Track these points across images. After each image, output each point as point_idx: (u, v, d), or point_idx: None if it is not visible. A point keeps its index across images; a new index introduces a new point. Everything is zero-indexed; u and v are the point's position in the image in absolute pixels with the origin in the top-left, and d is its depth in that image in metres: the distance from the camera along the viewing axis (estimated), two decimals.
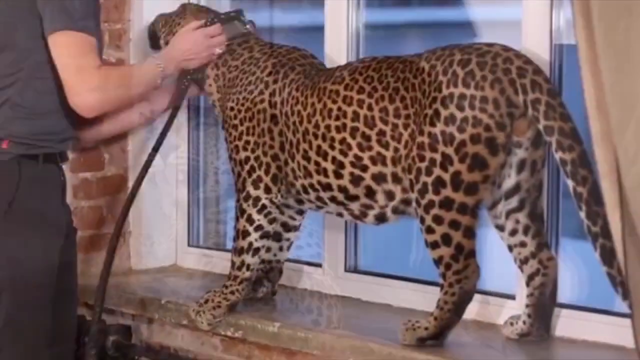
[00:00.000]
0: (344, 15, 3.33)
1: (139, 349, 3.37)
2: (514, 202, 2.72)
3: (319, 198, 2.93)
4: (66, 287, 3.01)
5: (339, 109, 2.82)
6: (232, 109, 3.06)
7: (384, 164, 2.76)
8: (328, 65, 3.19)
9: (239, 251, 3.05)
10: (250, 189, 3.02)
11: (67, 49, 2.89)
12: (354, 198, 2.85)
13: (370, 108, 2.78)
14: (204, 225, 3.80)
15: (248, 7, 3.85)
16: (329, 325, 2.98)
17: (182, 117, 3.75)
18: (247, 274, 3.06)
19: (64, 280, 2.99)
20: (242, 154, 3.02)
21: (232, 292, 3.06)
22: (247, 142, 3.01)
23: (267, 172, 3.00)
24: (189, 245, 3.77)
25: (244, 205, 3.03)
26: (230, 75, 3.11)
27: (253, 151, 3.00)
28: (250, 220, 3.02)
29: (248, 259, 3.05)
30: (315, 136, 2.87)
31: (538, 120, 2.58)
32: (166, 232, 3.76)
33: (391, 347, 2.73)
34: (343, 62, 3.28)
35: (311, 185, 2.92)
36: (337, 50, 3.32)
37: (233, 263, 3.07)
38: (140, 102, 3.23)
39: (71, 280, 3.06)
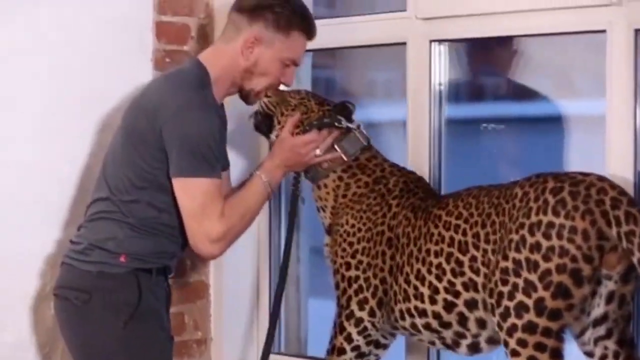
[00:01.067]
0: (426, 110, 3.29)
1: None
2: (601, 330, 2.63)
3: (413, 325, 2.87)
4: None
5: (439, 233, 2.80)
6: (352, 225, 3.00)
7: (476, 290, 2.72)
8: (410, 163, 3.19)
9: None
10: (355, 308, 2.97)
11: (191, 196, 2.91)
12: (447, 325, 2.80)
13: (464, 233, 2.76)
14: (285, 331, 3.75)
15: None
16: None
17: (263, 218, 3.73)
18: None
19: None
20: (352, 272, 2.97)
21: None
22: (360, 262, 2.97)
23: (374, 295, 2.95)
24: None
25: (345, 323, 2.98)
26: (358, 190, 3.04)
27: (364, 272, 2.96)
28: (349, 339, 2.97)
29: None
30: (417, 259, 2.84)
31: (632, 253, 2.50)
32: (247, 339, 3.72)
33: None
34: (424, 158, 3.25)
35: (408, 310, 2.86)
36: (419, 146, 3.29)
37: None
38: None
39: None
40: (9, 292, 3.19)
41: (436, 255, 2.78)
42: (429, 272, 2.79)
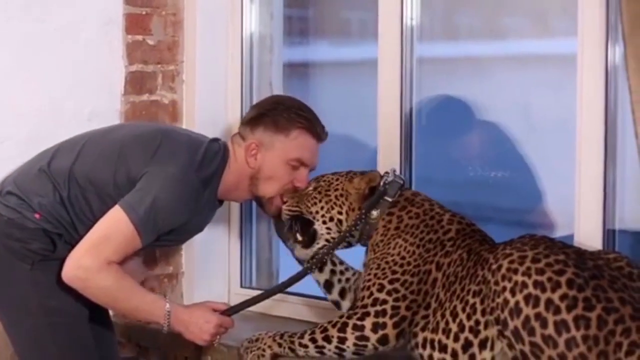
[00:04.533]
0: (397, 49, 3.29)
1: None
2: None
3: (430, 357, 2.79)
4: None
5: (483, 275, 2.72)
6: (403, 257, 2.90)
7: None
8: (380, 101, 3.19)
9: (308, 341, 2.88)
10: (367, 326, 2.82)
11: (108, 225, 2.91)
12: None
13: None
14: (256, 266, 3.77)
15: (296, 43, 3.87)
16: None
17: None
18: (301, 351, 2.90)
19: None
20: (382, 295, 2.84)
21: (279, 345, 2.94)
22: (396, 290, 2.85)
23: (396, 325, 2.83)
24: (241, 286, 3.74)
25: (348, 330, 2.83)
26: (410, 221, 2.94)
27: (396, 300, 2.84)
28: (341, 342, 2.84)
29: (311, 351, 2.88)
30: (457, 297, 2.77)
31: None
32: (218, 273, 3.73)
33: None
34: (396, 96, 3.24)
35: (432, 341, 2.78)
36: (390, 85, 3.30)
37: (304, 338, 2.89)
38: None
39: None
40: None
41: (474, 295, 2.72)
42: (463, 310, 2.73)
